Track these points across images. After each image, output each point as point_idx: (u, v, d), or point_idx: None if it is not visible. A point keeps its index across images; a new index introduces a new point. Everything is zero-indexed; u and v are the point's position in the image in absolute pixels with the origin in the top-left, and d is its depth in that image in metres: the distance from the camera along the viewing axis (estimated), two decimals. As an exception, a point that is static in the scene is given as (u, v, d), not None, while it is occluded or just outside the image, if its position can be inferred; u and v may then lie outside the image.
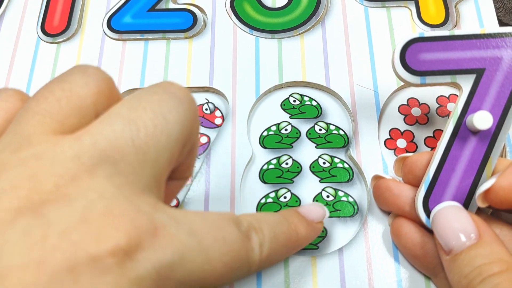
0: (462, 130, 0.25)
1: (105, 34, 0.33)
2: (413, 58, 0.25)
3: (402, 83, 0.30)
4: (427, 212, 0.24)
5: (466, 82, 0.25)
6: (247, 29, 0.33)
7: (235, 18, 0.33)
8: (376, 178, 0.27)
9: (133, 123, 0.16)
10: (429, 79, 0.25)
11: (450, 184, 0.24)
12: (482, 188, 0.23)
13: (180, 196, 0.28)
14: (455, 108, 0.25)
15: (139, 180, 0.16)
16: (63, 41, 0.33)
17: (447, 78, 0.25)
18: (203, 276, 0.17)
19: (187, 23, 0.33)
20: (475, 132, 0.24)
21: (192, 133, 0.18)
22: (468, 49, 0.25)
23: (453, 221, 0.23)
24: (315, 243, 0.27)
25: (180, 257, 0.16)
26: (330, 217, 0.27)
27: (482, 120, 0.23)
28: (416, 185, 0.26)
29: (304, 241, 0.23)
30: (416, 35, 0.25)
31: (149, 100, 0.17)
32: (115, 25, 0.33)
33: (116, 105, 0.17)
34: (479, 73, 0.25)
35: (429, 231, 0.25)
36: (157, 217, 0.16)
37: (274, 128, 0.30)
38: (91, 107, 0.16)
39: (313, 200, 0.28)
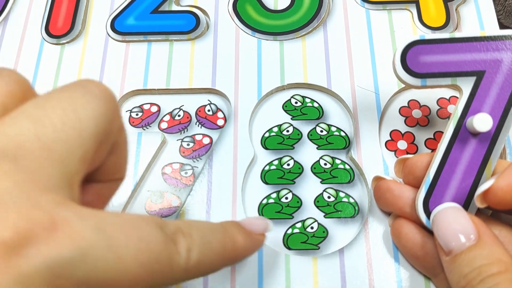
0: (462, 132, 0.25)
1: (109, 35, 0.33)
2: (414, 61, 0.26)
3: (403, 85, 0.30)
4: (428, 213, 0.24)
5: (467, 84, 0.25)
6: (249, 31, 0.33)
7: (237, 20, 0.34)
8: (377, 179, 0.27)
9: (38, 120, 0.15)
10: (430, 81, 0.25)
11: (450, 185, 0.25)
12: (481, 189, 0.23)
13: (182, 196, 0.28)
14: (455, 110, 0.25)
15: (44, 178, 0.15)
16: (67, 42, 0.33)
17: (448, 80, 0.25)
18: (115, 277, 0.15)
19: (190, 25, 0.33)
20: (475, 134, 0.25)
21: (111, 130, 0.18)
22: (469, 51, 0.25)
23: (453, 222, 0.23)
24: (315, 244, 0.27)
25: (82, 254, 0.14)
26: (331, 217, 0.28)
27: (482, 122, 0.24)
28: (416, 186, 0.26)
29: (243, 252, 0.22)
30: (417, 37, 0.26)
31: (60, 97, 0.16)
32: (119, 26, 0.34)
33: (24, 104, 0.16)
34: (479, 75, 0.25)
35: (429, 232, 0.25)
36: (59, 212, 0.15)
37: (276, 129, 0.30)
38: None
39: (314, 201, 0.28)
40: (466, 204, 0.25)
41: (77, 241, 0.14)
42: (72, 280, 0.14)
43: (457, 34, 0.26)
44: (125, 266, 0.15)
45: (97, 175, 0.19)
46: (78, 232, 0.15)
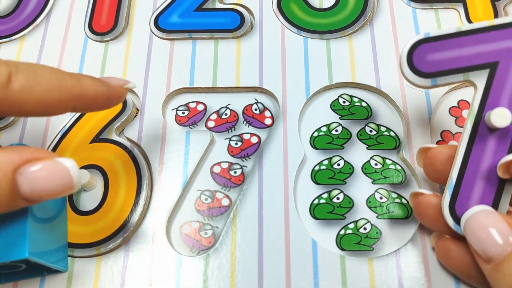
0: (481, 129, 0.24)
1: (153, 33, 0.33)
2: (420, 60, 0.25)
3: (453, 86, 0.30)
4: (455, 218, 0.23)
5: (480, 78, 0.24)
6: (295, 29, 0.33)
7: (282, 18, 0.33)
8: (415, 195, 0.26)
9: None
10: (440, 80, 0.24)
11: (475, 186, 0.24)
12: (505, 159, 0.22)
13: (232, 196, 0.28)
14: (471, 107, 0.24)
15: None
16: (111, 39, 0.33)
17: (459, 77, 0.24)
18: None
19: (235, 23, 0.33)
20: (495, 130, 0.23)
21: None
22: (478, 43, 0.24)
23: (487, 226, 0.21)
24: (369, 245, 0.27)
25: None
26: (383, 218, 0.27)
27: (501, 117, 0.23)
28: (435, 178, 0.26)
29: (91, 92, 0.22)
30: (421, 36, 0.25)
31: None
32: (163, 24, 0.33)
33: None
34: (492, 67, 0.24)
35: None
36: None
37: (324, 129, 0.30)
38: None
39: (366, 202, 0.28)
40: (495, 204, 0.23)
41: None
42: None
43: (463, 28, 0.24)
44: None
45: None
46: None
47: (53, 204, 0.27)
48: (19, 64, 0.20)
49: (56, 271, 0.26)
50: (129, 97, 0.31)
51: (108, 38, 0.33)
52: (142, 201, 0.28)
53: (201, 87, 0.31)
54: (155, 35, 0.33)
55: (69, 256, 0.27)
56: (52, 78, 0.21)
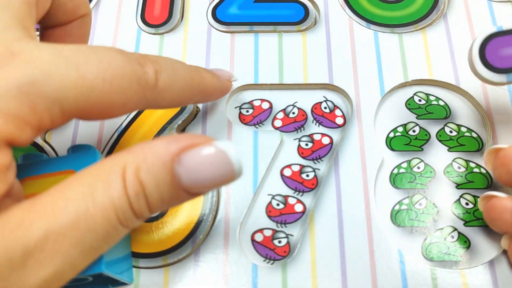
0: None
1: (211, 25, 0.31)
2: (494, 55, 0.23)
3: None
4: None
5: None
6: (363, 22, 0.31)
7: (349, 10, 0.31)
8: (487, 198, 0.24)
9: None
10: None
11: None
12: None
13: (306, 201, 0.26)
14: None
15: None
16: (166, 32, 0.31)
17: None
18: (82, 93, 0.17)
19: (299, 16, 0.31)
20: None
21: None
22: None
23: None
24: (458, 255, 0.25)
25: (45, 73, 0.16)
26: (471, 226, 0.25)
27: None
28: (508, 182, 0.24)
29: (210, 87, 0.23)
30: (493, 29, 0.23)
31: None
32: (221, 16, 0.31)
33: None
34: None
35: None
36: (16, 45, 0.16)
37: (401, 129, 0.28)
38: None
39: (452, 208, 0.26)
40: None
41: (37, 63, 0.16)
42: (43, 97, 0.16)
43: None
44: (90, 82, 0.17)
45: (59, 17, 0.22)
46: (36, 57, 0.16)
47: None
48: (159, 59, 0.20)
49: (122, 283, 0.24)
50: (190, 94, 0.28)
51: (163, 31, 0.31)
52: (210, 206, 0.26)
53: (266, 84, 0.29)
54: (214, 28, 0.31)
55: (134, 267, 0.25)
56: (186, 75, 0.21)
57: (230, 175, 0.17)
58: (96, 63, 0.17)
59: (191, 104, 0.23)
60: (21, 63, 0.16)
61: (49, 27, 0.22)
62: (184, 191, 0.17)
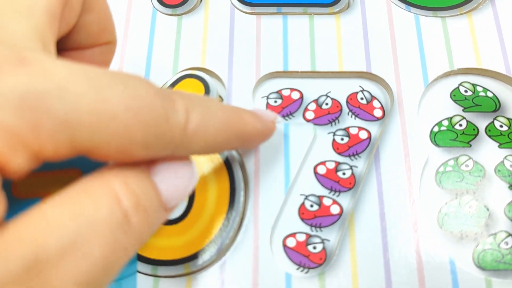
0: None
1: (234, 6, 0.28)
2: None
3: None
4: None
5: None
6: (403, 5, 0.28)
7: (386, -9, 0.28)
8: None
9: None
10: None
11: None
12: None
13: (343, 202, 0.23)
14: None
15: (10, 28, 0.15)
16: (185, 13, 0.28)
17: None
18: (101, 119, 0.13)
19: (331, -4, 0.28)
20: None
21: None
22: None
23: None
24: (513, 263, 0.22)
25: (59, 88, 0.13)
26: (527, 231, 0.23)
27: None
28: None
29: (251, 129, 0.20)
30: None
31: None
32: (245, -4, 0.28)
33: None
34: None
35: None
36: (29, 54, 0.14)
37: (446, 122, 0.25)
38: None
39: (505, 211, 0.23)
40: None
41: (51, 75, 0.13)
42: (51, 116, 0.13)
43: None
44: (111, 109, 0.14)
45: (80, 39, 0.19)
46: (51, 69, 0.13)
47: None
48: (191, 96, 0.17)
49: None
50: (212, 81, 0.25)
51: (181, 12, 0.28)
52: (237, 208, 0.23)
53: (297, 71, 0.26)
54: (237, 9, 0.28)
55: (152, 275, 0.22)
56: (222, 117, 0.18)
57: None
58: (122, 88, 0.14)
59: (227, 151, 0.20)
60: (31, 72, 0.13)
61: (65, 49, 0.19)
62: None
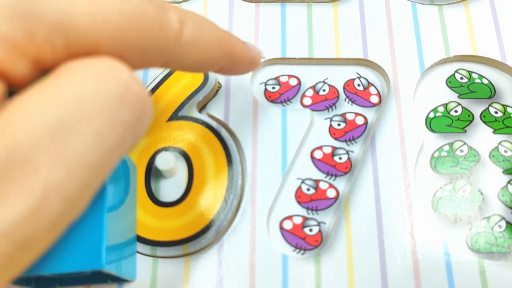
0: None
1: (233, -6, 0.28)
2: None
3: None
4: None
5: None
6: (400, -7, 0.28)
7: (384, -20, 0.29)
8: None
9: None
10: None
11: None
12: None
13: (339, 186, 0.24)
14: None
15: None
16: (184, 1, 0.28)
17: None
18: (95, 24, 0.13)
19: (329, -16, 0.28)
20: None
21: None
22: None
23: None
24: (506, 245, 0.23)
25: None
26: (520, 215, 0.23)
27: None
28: None
29: (241, 54, 0.20)
30: None
31: None
32: (244, -16, 0.29)
33: None
34: None
35: None
36: None
37: (441, 109, 0.26)
38: None
39: (498, 195, 0.24)
40: None
41: None
42: (44, 21, 0.13)
43: None
44: (105, 13, 0.14)
45: None
46: None
47: (120, 183, 0.22)
48: (185, 10, 0.17)
49: (122, 280, 0.22)
50: (211, 68, 0.26)
51: (180, 0, 0.28)
52: (234, 191, 0.23)
53: (295, 58, 0.26)
54: (236, -3, 0.28)
55: (151, 256, 0.22)
56: (214, 32, 0.18)
57: None
58: None
59: (216, 70, 0.20)
60: None
61: None
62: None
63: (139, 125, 0.14)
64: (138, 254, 0.23)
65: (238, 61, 0.20)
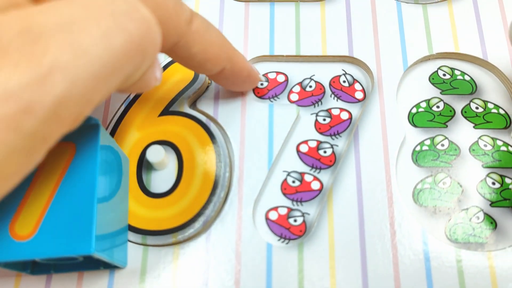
0: None
1: (224, -6, 0.29)
2: None
3: None
4: None
5: None
6: (385, -8, 0.29)
7: (370, -21, 0.30)
8: None
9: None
10: None
11: None
12: None
13: (324, 178, 0.25)
14: None
15: None
16: (177, 0, 0.29)
17: None
18: None
19: (317, -16, 0.29)
20: None
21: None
22: None
23: None
24: (483, 236, 0.23)
25: None
26: (498, 206, 0.24)
27: None
28: None
29: (241, 64, 0.23)
30: None
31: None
32: (235, -16, 0.29)
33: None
34: None
35: None
36: None
37: (424, 104, 0.27)
38: None
39: (477, 187, 0.25)
40: None
41: None
42: None
43: None
44: None
45: None
46: None
47: (113, 174, 0.23)
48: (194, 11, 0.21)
49: (114, 267, 0.23)
50: (201, 65, 0.27)
51: None
52: (222, 182, 0.24)
53: (283, 55, 0.27)
54: (227, -4, 0.29)
55: (141, 244, 0.24)
56: (219, 34, 0.22)
57: None
58: None
59: (218, 71, 0.22)
60: None
61: None
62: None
63: (144, 42, 0.15)
64: (129, 243, 0.24)
65: (238, 67, 0.23)
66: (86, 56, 0.13)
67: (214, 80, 0.24)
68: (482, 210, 0.24)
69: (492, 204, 0.24)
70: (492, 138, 0.26)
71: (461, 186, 0.25)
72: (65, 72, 0.13)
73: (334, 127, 0.26)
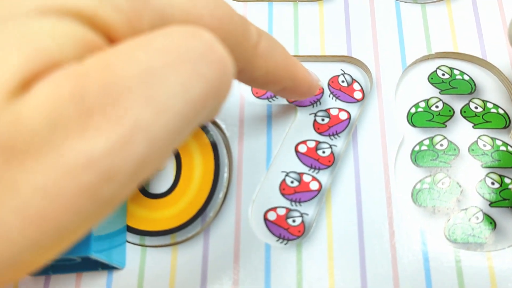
0: None
1: (223, -6, 0.29)
2: None
3: None
4: None
5: None
6: (384, -8, 0.29)
7: (369, -21, 0.29)
8: None
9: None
10: None
11: None
12: None
13: (322, 179, 0.25)
14: None
15: None
16: (175, 0, 0.29)
17: None
18: (187, 17, 0.15)
19: (315, -16, 0.29)
20: None
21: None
22: None
23: None
24: (482, 237, 0.23)
25: None
26: (497, 207, 0.24)
27: None
28: None
29: (303, 78, 0.22)
30: None
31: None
32: (233, -16, 0.29)
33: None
34: None
35: None
36: None
37: (423, 104, 0.26)
38: None
39: (476, 188, 0.24)
40: None
41: None
42: (149, 7, 0.14)
43: None
44: (199, 11, 0.15)
45: None
46: None
47: None
48: (260, 29, 0.19)
49: (112, 267, 0.23)
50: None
51: None
52: (221, 183, 0.24)
53: (281, 55, 0.27)
54: (226, -4, 0.29)
55: (140, 245, 0.23)
56: (283, 52, 0.20)
57: None
58: (210, 1, 0.16)
59: (278, 89, 0.21)
60: None
61: None
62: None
63: (221, 85, 0.14)
64: (127, 243, 0.24)
65: (300, 84, 0.22)
66: (166, 112, 0.13)
67: (273, 93, 0.23)
68: (482, 210, 0.24)
69: (492, 204, 0.24)
70: (492, 138, 0.26)
71: (460, 186, 0.25)
72: (146, 131, 0.12)
73: (332, 127, 0.26)
